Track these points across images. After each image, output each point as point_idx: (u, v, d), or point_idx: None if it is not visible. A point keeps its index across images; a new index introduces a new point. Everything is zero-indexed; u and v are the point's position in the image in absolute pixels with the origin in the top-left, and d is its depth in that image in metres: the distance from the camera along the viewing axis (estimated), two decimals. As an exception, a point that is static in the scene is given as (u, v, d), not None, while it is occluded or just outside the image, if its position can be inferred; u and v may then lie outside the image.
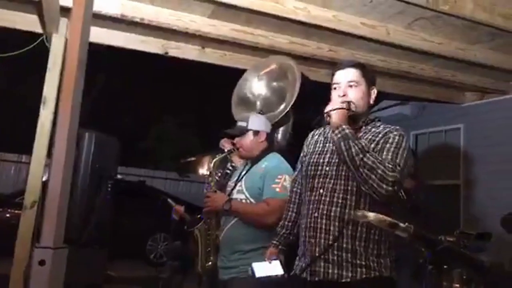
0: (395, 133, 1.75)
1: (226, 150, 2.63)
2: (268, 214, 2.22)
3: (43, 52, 3.55)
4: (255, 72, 3.15)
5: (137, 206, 7.50)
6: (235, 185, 2.41)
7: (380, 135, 1.75)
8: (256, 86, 3.08)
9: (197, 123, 15.29)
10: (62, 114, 1.31)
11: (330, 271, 1.68)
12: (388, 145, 1.70)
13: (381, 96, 6.24)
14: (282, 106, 2.80)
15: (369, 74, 1.89)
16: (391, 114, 6.47)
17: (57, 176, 1.28)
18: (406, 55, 4.00)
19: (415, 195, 3.86)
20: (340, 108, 1.72)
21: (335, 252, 1.69)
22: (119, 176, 6.26)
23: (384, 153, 1.68)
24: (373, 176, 1.58)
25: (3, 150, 10.36)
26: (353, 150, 1.62)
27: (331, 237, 1.69)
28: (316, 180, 1.79)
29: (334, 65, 4.34)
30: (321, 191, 1.76)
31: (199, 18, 3.48)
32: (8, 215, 6.66)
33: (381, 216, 1.01)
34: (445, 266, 0.95)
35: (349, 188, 1.71)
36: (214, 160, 2.56)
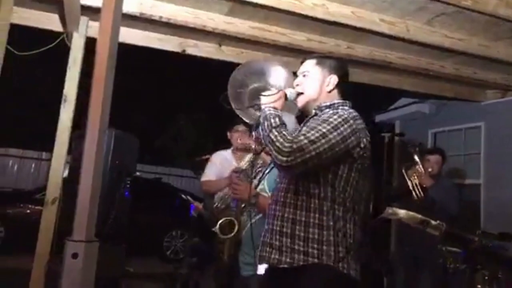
0: (331, 112, 1.73)
1: (255, 148, 2.63)
2: None
3: (64, 50, 3.60)
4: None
5: (154, 203, 7.56)
6: (258, 183, 2.42)
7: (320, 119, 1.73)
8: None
9: (211, 120, 15.36)
10: (93, 106, 1.33)
11: (272, 256, 1.69)
12: (313, 124, 1.69)
13: (399, 93, 6.17)
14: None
15: (327, 62, 1.89)
16: (409, 112, 6.39)
17: (89, 170, 1.31)
18: (426, 52, 3.94)
19: (433, 193, 3.81)
20: (270, 95, 1.78)
21: (277, 237, 1.70)
22: (137, 173, 6.33)
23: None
24: (273, 149, 1.60)
25: (24, 147, 10.58)
26: (265, 128, 1.67)
27: (274, 222, 1.73)
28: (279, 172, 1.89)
29: (352, 62, 4.34)
30: (278, 179, 1.87)
31: (217, 16, 3.49)
32: (28, 211, 6.78)
33: (411, 213, 1.00)
34: (478, 266, 0.92)
35: (299, 175, 1.73)
36: (251, 160, 2.59)
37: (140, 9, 3.33)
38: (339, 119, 1.66)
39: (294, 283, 1.64)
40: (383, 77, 4.75)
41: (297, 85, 1.87)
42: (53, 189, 3.36)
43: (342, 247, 1.64)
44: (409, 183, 3.95)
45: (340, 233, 1.65)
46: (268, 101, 1.77)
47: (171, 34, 3.95)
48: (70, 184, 3.22)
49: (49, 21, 3.64)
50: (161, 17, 3.39)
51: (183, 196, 7.47)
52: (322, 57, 1.94)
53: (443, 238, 0.98)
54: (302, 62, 1.94)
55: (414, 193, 3.88)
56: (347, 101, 1.86)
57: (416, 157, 4.08)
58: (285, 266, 1.65)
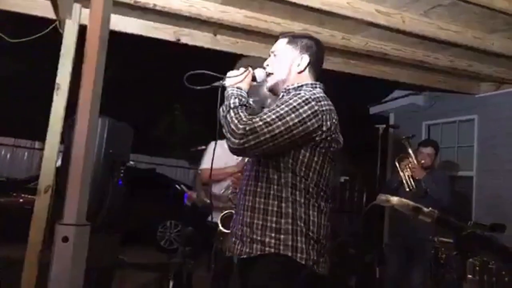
0: (292, 93, 1.64)
1: None
2: None
3: (56, 38, 3.56)
4: None
5: (148, 193, 7.56)
6: None
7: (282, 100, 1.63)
8: None
9: (206, 110, 15.30)
10: (84, 90, 1.32)
11: (236, 246, 1.63)
12: (274, 106, 1.59)
13: (394, 85, 6.18)
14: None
15: (298, 41, 1.77)
16: (403, 104, 6.41)
17: (79, 154, 1.30)
18: (421, 43, 3.94)
19: (426, 185, 3.83)
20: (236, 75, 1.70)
21: (239, 226, 1.63)
22: (131, 163, 6.30)
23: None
24: (226, 130, 1.54)
25: (17, 136, 10.51)
26: (224, 109, 1.60)
27: (239, 211, 1.67)
28: None
29: (347, 53, 4.32)
30: (245, 167, 1.82)
31: (212, 5, 3.45)
32: (21, 200, 6.76)
33: (404, 200, 1.00)
34: (469, 253, 0.93)
35: (255, 160, 1.68)
36: None
37: (134, -4, 3.28)
38: (299, 100, 1.56)
39: (251, 274, 1.58)
40: (378, 69, 4.75)
41: (268, 65, 1.78)
42: (46, 177, 3.34)
43: (301, 236, 1.54)
44: (402, 174, 3.98)
45: (300, 221, 1.55)
46: (232, 81, 1.69)
47: (165, 22, 3.90)
48: (63, 173, 3.21)
49: (42, 7, 3.59)
50: (155, 5, 3.34)
51: (177, 186, 7.50)
52: (295, 36, 1.81)
53: (435, 225, 0.99)
54: (276, 41, 1.84)
55: (406, 185, 3.91)
56: (317, 83, 1.74)
57: (409, 149, 4.11)
58: (245, 256, 1.58)
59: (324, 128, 1.57)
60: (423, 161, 3.96)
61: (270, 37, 3.85)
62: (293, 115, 1.52)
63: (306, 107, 1.54)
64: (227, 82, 1.69)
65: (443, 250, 2.64)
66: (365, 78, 4.80)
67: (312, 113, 1.55)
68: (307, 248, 1.54)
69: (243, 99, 1.62)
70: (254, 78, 1.74)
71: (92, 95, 1.36)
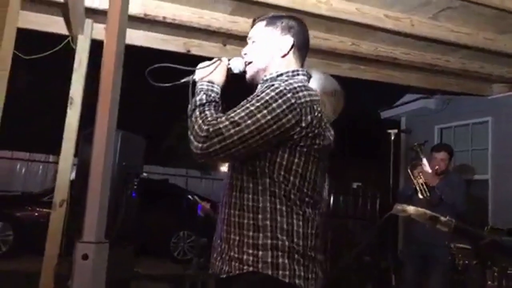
0: (266, 85, 1.40)
1: None
2: None
3: (69, 53, 3.62)
4: None
5: (161, 204, 7.59)
6: None
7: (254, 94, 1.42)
8: None
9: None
10: (101, 106, 1.33)
11: (216, 263, 1.44)
12: (244, 101, 1.35)
13: (405, 89, 6.14)
14: None
15: (278, 22, 1.55)
16: (415, 108, 6.36)
17: (98, 171, 1.31)
18: (431, 47, 3.92)
19: (440, 191, 3.77)
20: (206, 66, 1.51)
21: (219, 241, 1.45)
22: (144, 174, 6.35)
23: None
24: (190, 133, 1.34)
25: (31, 151, 10.67)
26: (189, 108, 1.41)
27: (219, 225, 1.48)
28: None
29: (356, 59, 4.31)
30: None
31: (221, 16, 3.49)
32: (36, 214, 6.83)
33: (421, 210, 0.98)
34: (489, 262, 0.91)
35: (230, 166, 1.49)
36: None
37: (144, 10, 3.34)
38: (272, 93, 1.32)
39: None
40: (388, 73, 4.73)
41: (246, 53, 1.57)
42: (61, 191, 3.38)
43: (282, 251, 1.33)
44: (415, 182, 3.90)
45: (282, 234, 1.35)
46: (202, 74, 1.49)
47: (175, 34, 3.95)
48: (78, 186, 3.24)
49: (55, 24, 3.66)
50: (165, 17, 3.39)
51: (189, 196, 7.53)
52: (273, 17, 1.58)
53: (452, 235, 0.97)
54: (252, 26, 1.62)
55: (420, 193, 3.83)
56: (299, 70, 1.51)
57: (422, 156, 4.03)
58: (224, 276, 1.39)
59: (303, 124, 1.34)
60: (437, 167, 3.85)
61: (279, 46, 3.87)
62: (265, 111, 1.30)
63: (280, 101, 1.32)
64: (197, 75, 1.50)
65: (460, 256, 2.60)
66: (375, 82, 4.78)
67: (287, 107, 1.32)
68: (291, 264, 1.33)
69: (213, 94, 1.43)
70: (231, 70, 1.55)
71: (109, 111, 1.38)
